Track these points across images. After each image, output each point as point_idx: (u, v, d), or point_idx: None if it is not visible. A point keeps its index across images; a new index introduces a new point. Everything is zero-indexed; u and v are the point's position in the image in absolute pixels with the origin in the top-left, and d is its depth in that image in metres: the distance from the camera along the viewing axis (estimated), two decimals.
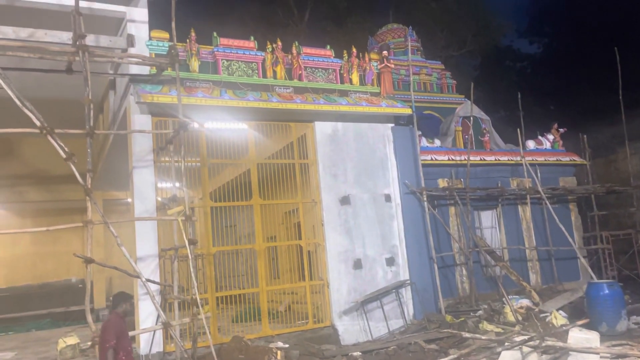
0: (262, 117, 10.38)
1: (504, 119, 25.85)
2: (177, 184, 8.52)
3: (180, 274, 8.42)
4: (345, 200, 10.82)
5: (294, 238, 12.20)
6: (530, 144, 14.15)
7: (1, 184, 15.92)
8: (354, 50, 11.72)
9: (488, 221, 13.18)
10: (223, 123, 10.27)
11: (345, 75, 11.52)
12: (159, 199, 9.15)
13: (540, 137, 14.44)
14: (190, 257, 7.47)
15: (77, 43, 7.22)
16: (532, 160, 13.42)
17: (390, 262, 11.01)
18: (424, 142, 12.47)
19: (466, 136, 12.96)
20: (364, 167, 11.17)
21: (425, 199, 11.42)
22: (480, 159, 12.90)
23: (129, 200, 10.29)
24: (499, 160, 13.26)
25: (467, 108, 13.42)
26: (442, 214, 12.11)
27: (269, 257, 11.44)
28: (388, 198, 11.28)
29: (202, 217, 10.18)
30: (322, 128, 10.92)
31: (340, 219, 10.72)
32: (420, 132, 12.16)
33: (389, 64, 11.86)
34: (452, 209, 12.35)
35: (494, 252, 12.23)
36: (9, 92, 6.52)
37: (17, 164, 16.13)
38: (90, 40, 7.77)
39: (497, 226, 13.18)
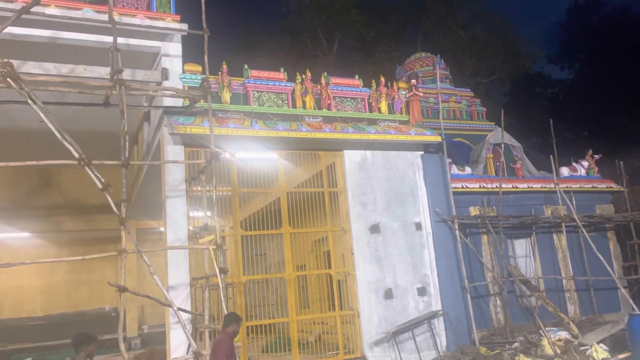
0: (291, 146, 10.51)
1: (536, 146, 25.48)
2: (209, 213, 8.64)
3: (211, 302, 8.45)
4: (375, 229, 10.75)
5: (323, 267, 12.14)
6: (564, 171, 13.86)
7: (40, 214, 16.41)
8: (382, 79, 11.83)
9: (522, 250, 12.87)
10: (254, 152, 10.43)
11: (373, 104, 11.60)
12: (191, 227, 9.28)
13: (574, 164, 14.14)
14: (221, 285, 7.51)
15: (115, 77, 7.51)
16: (567, 187, 13.12)
17: (422, 291, 10.82)
18: (455, 169, 12.37)
19: (497, 163, 12.79)
20: (394, 195, 11.12)
21: (456, 227, 11.26)
22: (513, 187, 12.69)
23: (162, 229, 10.47)
24: (532, 187, 13.01)
25: (497, 135, 13.29)
26: (475, 242, 11.89)
27: (298, 286, 11.40)
28: (418, 226, 11.17)
29: (233, 246, 10.26)
30: (351, 156, 10.96)
31: (370, 248, 10.64)
32: (450, 160, 12.08)
33: (417, 92, 11.90)
34: (484, 238, 12.13)
35: (529, 282, 11.88)
36: (50, 125, 6.79)
37: (55, 194, 16.67)
38: (126, 74, 8.07)
39: (531, 255, 12.85)
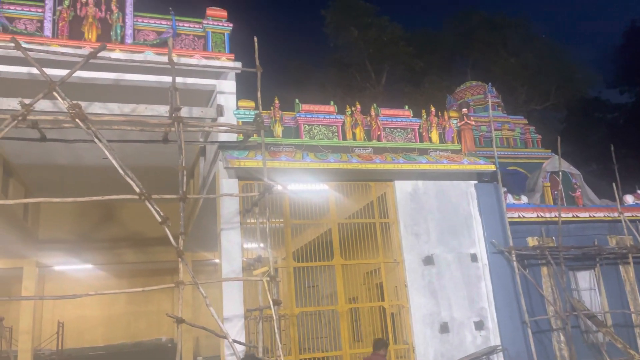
0: (342, 177, 10.58)
1: (597, 173, 24.44)
2: (262, 245, 8.76)
3: (264, 334, 8.49)
4: (428, 260, 10.55)
5: (375, 299, 11.97)
6: (629, 199, 13.19)
7: (102, 247, 17.12)
8: (433, 109, 11.80)
9: (585, 282, 12.23)
10: (305, 184, 10.56)
11: (424, 134, 11.56)
12: (245, 259, 9.42)
13: (639, 191, 13.46)
14: (274, 317, 7.54)
15: (173, 115, 7.87)
16: (632, 216, 12.46)
17: (479, 325, 10.45)
18: (510, 198, 12.02)
19: (555, 192, 12.35)
20: (447, 225, 10.92)
21: (514, 258, 10.88)
22: (573, 216, 12.18)
23: (217, 260, 10.69)
24: (594, 216, 12.44)
25: (554, 163, 12.87)
26: (534, 274, 11.42)
27: (351, 318, 11.27)
28: (474, 258, 10.87)
29: (285, 278, 10.31)
30: (402, 187, 10.90)
31: (424, 280, 10.43)
32: (505, 189, 11.77)
33: (469, 121, 11.77)
34: (544, 269, 11.63)
35: (595, 317, 11.25)
36: (114, 162, 7.15)
37: (116, 227, 17.38)
38: (184, 112, 8.45)
39: (596, 288, 12.19)
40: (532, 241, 11.72)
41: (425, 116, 11.69)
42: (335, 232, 10.52)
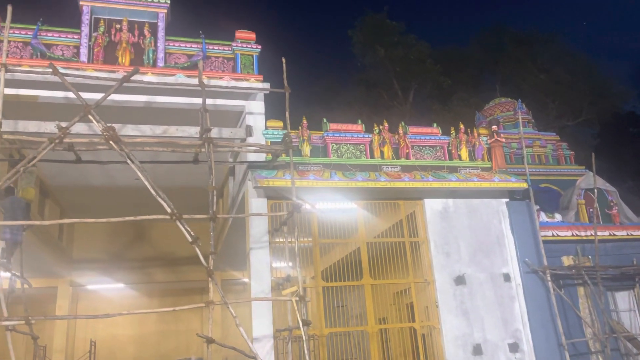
0: (370, 196, 10.52)
1: (634, 190, 23.72)
2: (290, 264, 8.75)
3: (293, 355, 8.41)
4: (460, 280, 10.35)
5: (406, 320, 11.77)
6: None
7: (133, 266, 17.37)
8: (462, 126, 11.70)
9: (624, 303, 11.78)
10: (333, 203, 10.54)
11: (453, 151, 11.45)
12: (273, 278, 9.41)
13: None
14: (304, 338, 7.48)
15: (204, 136, 8.00)
16: None
17: (514, 348, 10.15)
18: (543, 216, 11.74)
19: (591, 209, 12.02)
20: (479, 244, 10.71)
21: (549, 278, 10.57)
22: (610, 234, 11.79)
23: (246, 280, 10.72)
24: (632, 235, 12.02)
25: (589, 179, 12.54)
26: (570, 294, 11.06)
27: (381, 339, 11.09)
28: (507, 277, 10.61)
29: (314, 297, 10.25)
30: (431, 205, 10.77)
31: (456, 300, 10.21)
32: (538, 207, 11.51)
33: (499, 138, 11.62)
34: (580, 290, 11.25)
35: (635, 339, 10.80)
36: (146, 182, 7.28)
37: (147, 247, 17.64)
38: (214, 132, 8.57)
39: (636, 309, 11.72)
40: (567, 260, 11.38)
41: (454, 133, 11.59)
42: (364, 251, 10.44)
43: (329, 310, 10.08)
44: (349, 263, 10.56)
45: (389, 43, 26.52)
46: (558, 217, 12.04)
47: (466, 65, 28.89)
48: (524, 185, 11.10)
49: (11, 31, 8.38)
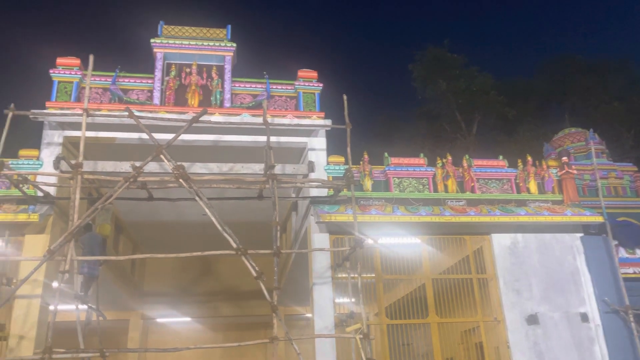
0: (435, 231, 10.30)
1: None
2: (353, 300, 8.65)
3: None
4: (532, 320, 9.82)
5: None
6: None
7: (200, 300, 17.76)
8: (529, 158, 11.32)
9: None
10: (396, 238, 10.40)
11: (521, 184, 11.07)
12: (336, 314, 9.32)
13: None
14: None
15: (268, 173, 8.20)
16: None
17: None
18: (623, 252, 11.00)
19: None
20: (552, 281, 10.17)
21: (632, 319, 9.82)
22: None
23: (308, 315, 10.67)
24: None
25: None
26: None
27: None
28: (585, 317, 9.96)
29: (379, 335, 10.03)
30: (499, 240, 10.39)
31: (529, 341, 9.68)
32: (616, 242, 10.82)
33: (570, 170, 11.14)
34: None
35: None
36: (213, 219, 7.52)
37: (212, 281, 18.02)
38: (278, 169, 8.78)
39: None
40: None
41: (521, 166, 11.23)
42: (429, 287, 10.17)
43: (394, 349, 9.82)
44: (414, 300, 10.30)
45: (450, 76, 26.32)
46: (639, 252, 11.24)
47: (531, 96, 28.08)
48: (600, 219, 10.52)
49: (92, 78, 9.05)
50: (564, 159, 11.33)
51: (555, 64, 28.85)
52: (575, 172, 11.43)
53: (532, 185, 11.05)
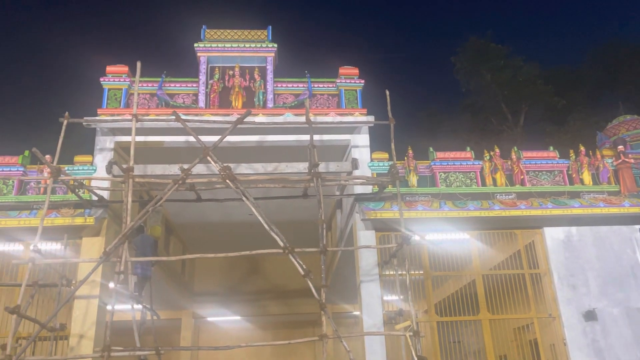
0: (484, 225, 10.07)
1: None
2: (402, 297, 8.56)
3: None
4: (590, 316, 9.45)
5: (529, 358, 10.90)
6: None
7: (248, 299, 18.02)
8: (582, 148, 10.89)
9: None
10: (444, 234, 10.23)
11: (574, 175, 10.66)
12: (385, 312, 9.25)
13: None
14: None
15: (312, 171, 8.22)
16: None
17: None
18: None
19: None
20: (610, 276, 9.76)
21: None
22: None
23: (356, 313, 10.64)
24: None
25: None
26: None
27: None
28: None
29: (428, 332, 9.90)
30: (552, 234, 10.05)
31: (587, 338, 9.32)
32: None
33: (627, 159, 10.64)
34: None
35: None
36: (260, 218, 7.60)
37: (260, 280, 18.24)
38: (321, 167, 8.77)
39: None
40: None
41: (574, 156, 10.82)
42: (479, 284, 9.95)
43: (444, 347, 9.66)
44: (464, 296, 10.11)
45: (494, 67, 25.66)
46: None
47: (581, 84, 27.02)
48: None
49: (140, 84, 9.30)
50: (620, 147, 10.83)
51: (606, 51, 27.69)
52: (632, 161, 10.91)
53: (586, 176, 10.62)
